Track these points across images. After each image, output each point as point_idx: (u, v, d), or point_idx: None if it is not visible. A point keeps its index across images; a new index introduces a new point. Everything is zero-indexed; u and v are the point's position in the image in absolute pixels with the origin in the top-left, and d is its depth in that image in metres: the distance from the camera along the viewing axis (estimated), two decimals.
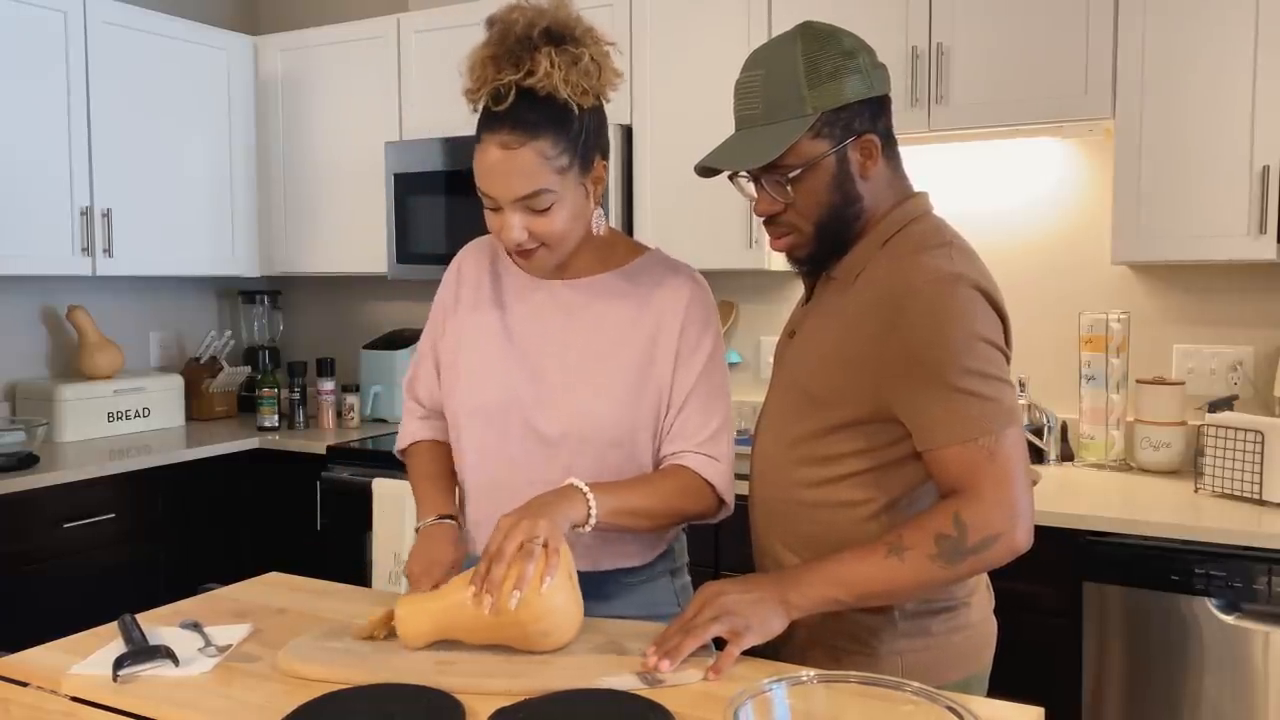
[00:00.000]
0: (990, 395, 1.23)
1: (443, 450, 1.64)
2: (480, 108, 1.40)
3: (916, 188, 1.40)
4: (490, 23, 1.41)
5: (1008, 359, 1.29)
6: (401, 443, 1.69)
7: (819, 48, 1.30)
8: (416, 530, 1.53)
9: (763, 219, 1.38)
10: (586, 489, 1.36)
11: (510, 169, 1.37)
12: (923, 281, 1.25)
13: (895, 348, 1.25)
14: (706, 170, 1.37)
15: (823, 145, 1.30)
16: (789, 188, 1.32)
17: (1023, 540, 1.23)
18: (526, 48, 1.37)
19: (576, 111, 1.40)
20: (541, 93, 1.37)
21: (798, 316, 1.46)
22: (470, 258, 1.64)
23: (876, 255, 1.33)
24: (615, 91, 1.47)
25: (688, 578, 1.65)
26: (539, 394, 1.50)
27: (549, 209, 1.40)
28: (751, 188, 1.38)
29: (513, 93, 1.36)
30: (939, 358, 1.23)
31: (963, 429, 1.22)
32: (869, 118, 1.32)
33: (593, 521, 1.36)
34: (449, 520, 1.53)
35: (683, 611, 1.28)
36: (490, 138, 1.38)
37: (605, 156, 1.48)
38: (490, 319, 1.56)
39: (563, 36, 1.39)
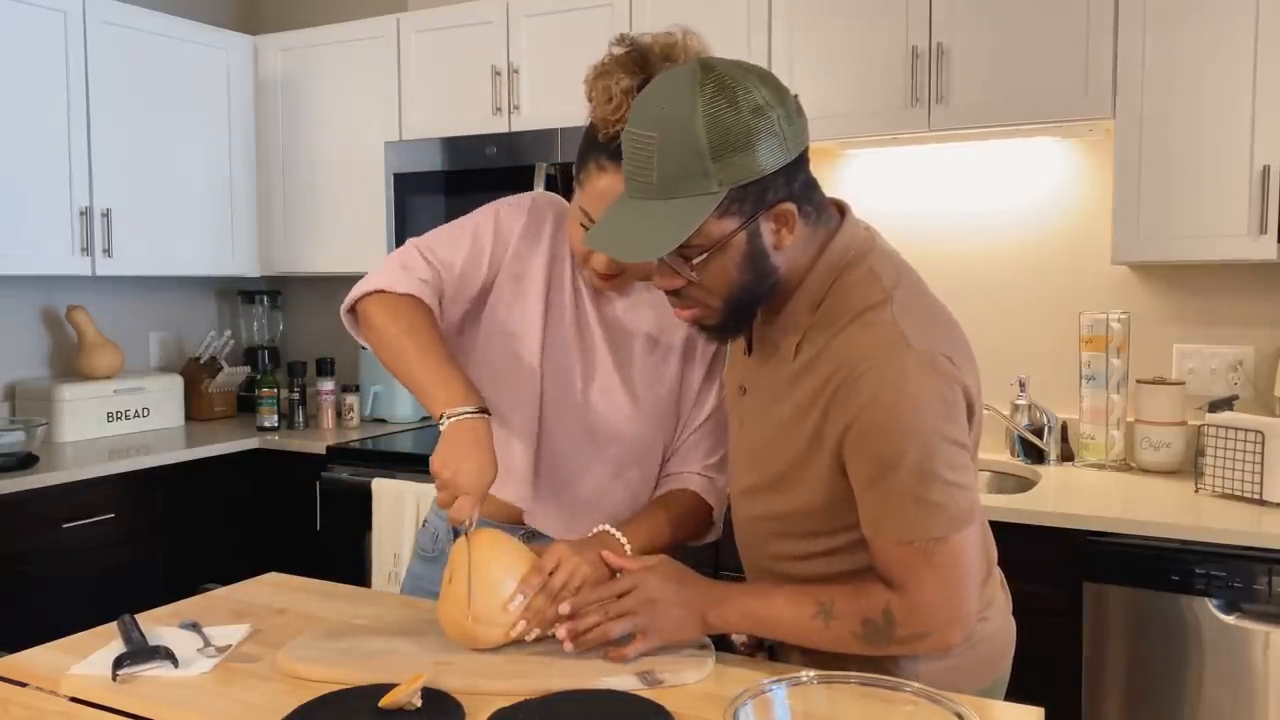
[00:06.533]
0: (940, 501, 1.12)
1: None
2: (606, 134, 1.34)
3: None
4: (624, 41, 1.32)
5: (972, 435, 1.18)
6: (395, 286, 1.42)
7: (725, 107, 1.07)
8: (442, 418, 1.30)
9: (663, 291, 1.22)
10: (621, 535, 1.41)
11: None
12: (868, 366, 1.12)
13: (849, 436, 1.14)
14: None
15: (731, 223, 1.11)
16: (693, 271, 1.15)
17: (957, 640, 1.18)
18: None
19: None
20: None
21: (744, 370, 1.33)
22: (533, 222, 1.53)
23: (812, 322, 1.20)
24: None
25: None
26: (585, 388, 1.52)
27: None
28: None
29: None
30: (888, 457, 1.11)
31: (901, 529, 1.14)
32: (784, 183, 1.13)
33: None
34: (486, 415, 1.32)
35: (613, 582, 1.29)
36: (617, 168, 1.33)
37: None
38: (560, 296, 1.53)
39: None
